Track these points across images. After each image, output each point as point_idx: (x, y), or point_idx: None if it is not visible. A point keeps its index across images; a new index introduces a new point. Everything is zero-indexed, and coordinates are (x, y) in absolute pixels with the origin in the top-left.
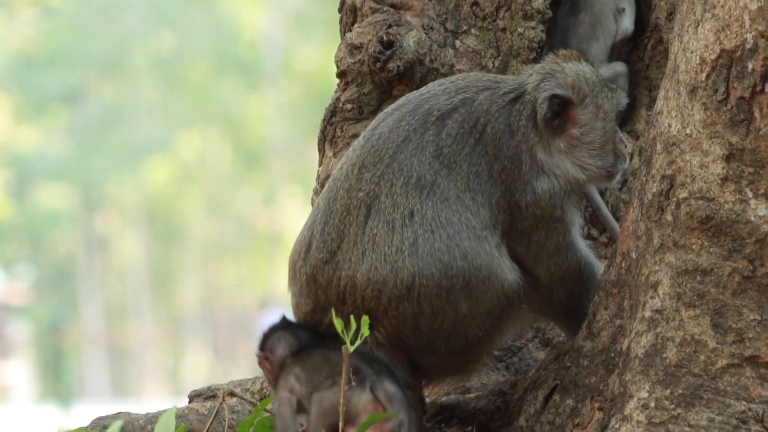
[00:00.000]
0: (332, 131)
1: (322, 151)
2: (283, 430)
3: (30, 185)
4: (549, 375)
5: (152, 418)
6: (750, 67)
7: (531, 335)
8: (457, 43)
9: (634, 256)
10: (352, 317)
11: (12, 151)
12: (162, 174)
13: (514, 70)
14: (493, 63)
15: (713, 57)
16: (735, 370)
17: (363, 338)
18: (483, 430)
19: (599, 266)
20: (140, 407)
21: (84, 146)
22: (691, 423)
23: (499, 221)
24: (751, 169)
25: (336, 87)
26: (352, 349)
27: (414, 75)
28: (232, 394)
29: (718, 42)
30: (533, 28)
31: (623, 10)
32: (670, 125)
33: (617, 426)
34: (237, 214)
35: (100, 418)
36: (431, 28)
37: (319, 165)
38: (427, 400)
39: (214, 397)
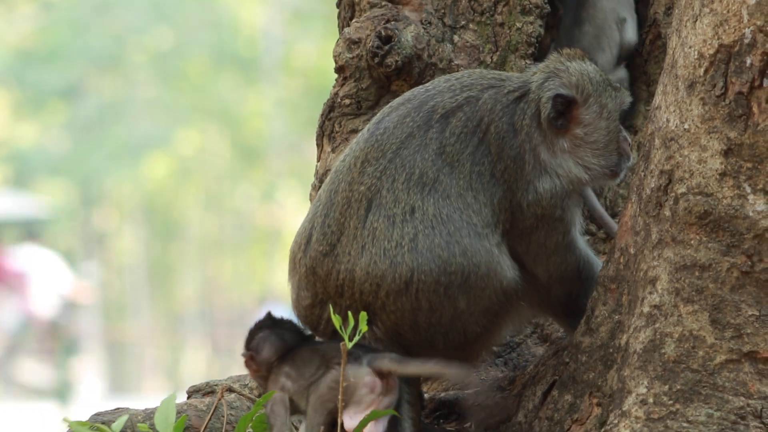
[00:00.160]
0: (330, 126)
1: (320, 146)
2: (278, 428)
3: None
4: (547, 371)
5: (151, 414)
6: (748, 61)
7: (530, 331)
8: (455, 38)
9: (632, 251)
10: (350, 313)
11: (11, 147)
12: (160, 170)
13: (512, 65)
14: (491, 58)
15: (711, 52)
16: (733, 366)
17: (361, 334)
18: (481, 426)
19: (598, 264)
20: (139, 403)
21: (82, 142)
22: (689, 419)
23: (500, 221)
24: (749, 165)
25: (334, 82)
26: (350, 345)
27: (412, 70)
28: (230, 390)
29: (716, 37)
30: (531, 23)
31: (624, 20)
32: (668, 120)
33: (616, 421)
34: (235, 210)
35: (98, 414)
36: (429, 23)
37: (318, 160)
38: (426, 395)
39: (212, 393)
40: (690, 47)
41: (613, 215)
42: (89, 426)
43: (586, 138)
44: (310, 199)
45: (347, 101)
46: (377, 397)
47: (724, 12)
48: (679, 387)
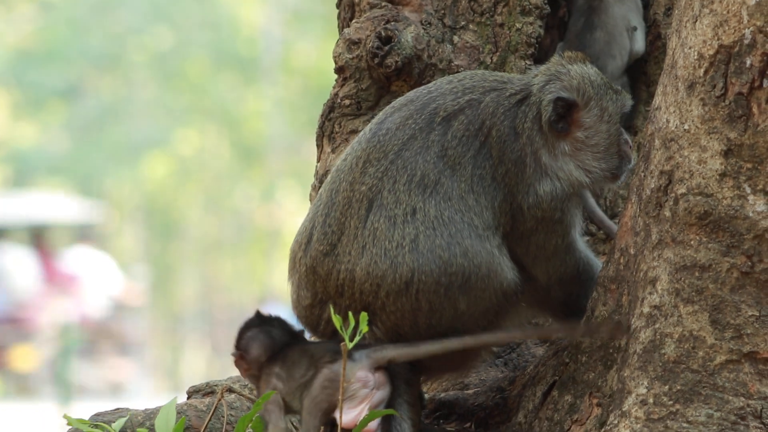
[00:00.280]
0: (330, 127)
1: (320, 146)
2: (273, 428)
3: (28, 180)
4: (547, 371)
5: (151, 414)
6: (748, 62)
7: None
8: (455, 38)
9: (632, 251)
10: (350, 314)
11: (10, 147)
12: (160, 170)
13: (512, 66)
14: (491, 58)
15: (711, 52)
16: (733, 366)
17: (361, 335)
18: (482, 427)
19: (598, 266)
20: (138, 403)
21: (82, 142)
22: (689, 419)
23: (501, 223)
24: (749, 165)
25: (334, 82)
26: (350, 345)
27: (412, 70)
28: (230, 390)
29: (716, 37)
30: (531, 24)
31: (635, 28)
32: (668, 121)
33: (616, 422)
34: (235, 210)
35: (98, 414)
36: (429, 23)
37: (318, 161)
38: (426, 396)
39: (212, 393)
40: (690, 48)
41: (613, 216)
42: (89, 425)
43: (587, 141)
44: (310, 200)
45: (347, 102)
46: (370, 391)
47: (724, 12)
48: (679, 387)
